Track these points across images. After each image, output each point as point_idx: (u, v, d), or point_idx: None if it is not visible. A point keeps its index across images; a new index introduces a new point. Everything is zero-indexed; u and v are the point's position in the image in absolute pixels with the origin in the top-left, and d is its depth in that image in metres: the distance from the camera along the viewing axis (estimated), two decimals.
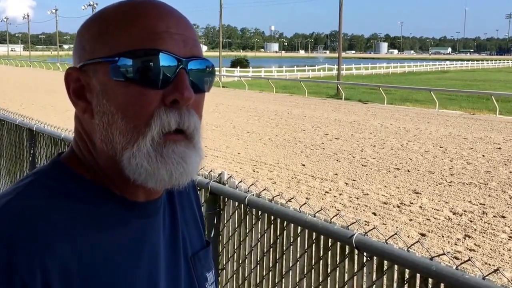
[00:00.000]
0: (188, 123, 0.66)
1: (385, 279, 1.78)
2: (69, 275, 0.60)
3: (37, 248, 0.58)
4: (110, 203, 0.68)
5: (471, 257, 1.66)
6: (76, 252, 0.61)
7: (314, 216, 2.04)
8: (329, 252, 2.01)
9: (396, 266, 1.74)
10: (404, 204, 6.86)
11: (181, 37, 0.66)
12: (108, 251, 0.65)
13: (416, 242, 1.81)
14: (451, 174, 8.56)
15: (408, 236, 5.51)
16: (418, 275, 1.67)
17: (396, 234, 1.88)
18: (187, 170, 0.66)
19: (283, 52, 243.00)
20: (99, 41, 0.66)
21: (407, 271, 1.71)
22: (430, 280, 1.64)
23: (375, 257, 1.81)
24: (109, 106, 0.65)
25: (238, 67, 43.79)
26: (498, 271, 1.64)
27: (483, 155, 10.17)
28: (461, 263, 1.60)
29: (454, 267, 1.56)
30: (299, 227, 2.13)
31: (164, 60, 0.64)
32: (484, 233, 5.82)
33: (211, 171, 2.57)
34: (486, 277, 1.51)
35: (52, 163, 0.71)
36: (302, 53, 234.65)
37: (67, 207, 0.64)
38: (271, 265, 2.31)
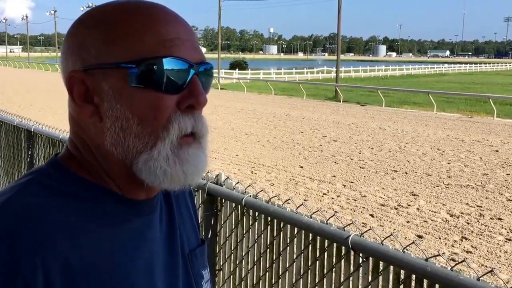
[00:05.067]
0: (201, 126, 0.69)
1: (380, 279, 1.80)
2: (70, 273, 0.60)
3: (38, 247, 0.59)
4: (110, 201, 0.69)
5: (466, 258, 1.67)
6: (76, 250, 0.62)
7: (311, 218, 2.05)
8: (325, 253, 2.02)
9: (391, 267, 1.76)
10: (402, 206, 6.88)
11: (190, 42, 0.68)
12: (108, 249, 0.65)
13: (412, 243, 1.82)
14: (449, 177, 8.58)
15: (405, 238, 5.52)
16: (413, 276, 1.69)
17: (391, 235, 1.90)
18: (199, 170, 0.69)
19: (282, 54, 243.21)
20: (109, 45, 0.66)
21: (402, 272, 1.73)
22: (425, 281, 1.66)
23: (371, 258, 1.82)
24: (124, 111, 0.65)
25: (237, 69, 43.80)
26: (493, 272, 1.65)
27: (481, 158, 10.20)
28: (456, 264, 1.61)
29: (449, 268, 1.58)
30: (296, 228, 2.14)
31: (180, 66, 0.66)
32: (481, 235, 5.84)
33: (208, 172, 2.58)
34: (481, 278, 1.52)
35: (50, 163, 0.71)
36: (301, 55, 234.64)
37: (66, 205, 0.64)
38: (267, 266, 2.32)
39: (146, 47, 0.65)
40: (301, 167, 9.20)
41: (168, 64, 0.65)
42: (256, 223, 2.36)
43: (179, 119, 0.66)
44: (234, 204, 2.45)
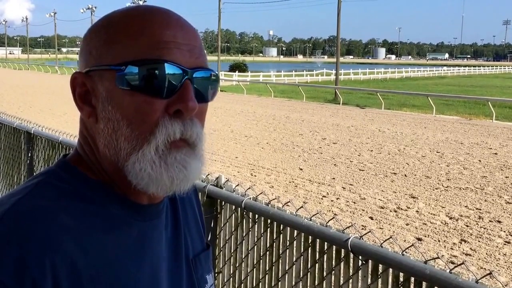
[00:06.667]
0: (191, 133, 0.67)
1: (379, 282, 1.80)
2: (76, 274, 0.61)
3: (47, 247, 0.60)
4: (116, 204, 0.70)
5: (465, 261, 1.68)
6: (83, 251, 0.63)
7: (310, 220, 2.06)
8: (325, 256, 2.02)
9: (390, 270, 1.76)
10: (401, 209, 6.88)
11: (187, 47, 0.67)
12: (113, 252, 0.66)
13: (411, 246, 1.82)
14: (448, 179, 8.59)
15: (404, 241, 5.52)
16: (412, 278, 1.69)
17: (391, 237, 1.91)
18: (188, 176, 0.67)
19: (281, 56, 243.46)
20: (106, 47, 0.67)
21: (401, 274, 1.73)
22: (424, 284, 1.66)
23: (370, 261, 1.82)
24: (114, 113, 0.66)
25: (237, 71, 43.82)
26: (492, 275, 1.66)
27: (480, 160, 10.21)
28: (455, 267, 1.62)
29: (448, 271, 1.58)
30: (295, 231, 2.15)
31: (169, 70, 0.65)
32: (480, 237, 5.84)
33: (208, 174, 2.58)
34: (480, 281, 1.53)
35: (59, 164, 0.72)
36: (300, 57, 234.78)
37: (75, 207, 0.65)
38: (267, 268, 2.32)
39: (139, 49, 0.65)
40: (301, 169, 9.20)
41: (156, 67, 0.64)
42: (256, 225, 2.36)
43: (167, 124, 0.65)
44: (234, 207, 2.45)
